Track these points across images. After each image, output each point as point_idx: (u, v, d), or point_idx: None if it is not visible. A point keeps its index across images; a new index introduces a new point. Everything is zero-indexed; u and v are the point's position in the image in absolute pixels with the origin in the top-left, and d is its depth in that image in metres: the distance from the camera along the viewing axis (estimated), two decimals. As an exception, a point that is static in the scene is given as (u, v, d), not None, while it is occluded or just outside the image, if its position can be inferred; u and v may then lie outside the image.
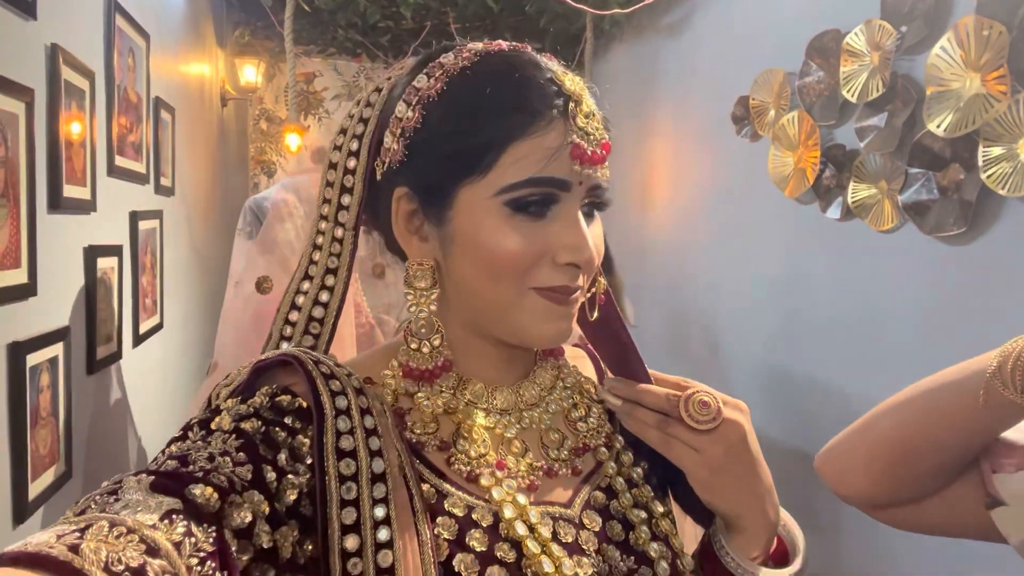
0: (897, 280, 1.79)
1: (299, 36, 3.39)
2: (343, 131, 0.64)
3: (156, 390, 2.50)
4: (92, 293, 1.75)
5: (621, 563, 0.60)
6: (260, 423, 0.52)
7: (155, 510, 0.42)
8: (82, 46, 1.68)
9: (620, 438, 0.68)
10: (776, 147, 2.20)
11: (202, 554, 0.41)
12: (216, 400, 0.57)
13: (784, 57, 2.17)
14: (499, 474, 0.58)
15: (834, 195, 1.98)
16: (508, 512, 0.56)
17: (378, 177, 0.62)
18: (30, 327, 1.39)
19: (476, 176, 0.56)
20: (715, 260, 2.59)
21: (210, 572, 0.41)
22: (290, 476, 0.50)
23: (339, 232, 0.63)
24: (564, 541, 0.58)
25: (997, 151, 1.47)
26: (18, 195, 1.32)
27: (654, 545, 0.62)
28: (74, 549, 0.36)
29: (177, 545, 0.40)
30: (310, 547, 0.50)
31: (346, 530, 0.49)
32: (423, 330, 0.60)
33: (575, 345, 0.77)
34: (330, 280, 0.63)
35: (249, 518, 0.46)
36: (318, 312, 0.62)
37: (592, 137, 0.58)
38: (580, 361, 0.75)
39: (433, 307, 0.60)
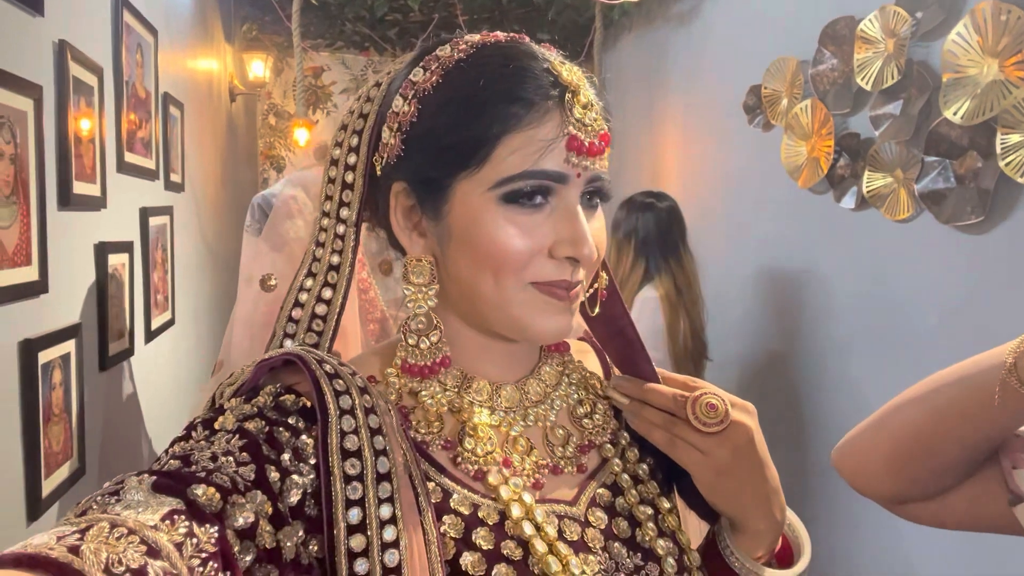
0: (913, 270, 1.76)
1: (307, 30, 3.39)
2: (344, 127, 0.64)
3: (168, 386, 2.51)
4: (103, 290, 1.75)
5: (627, 560, 0.60)
6: (264, 423, 0.51)
7: (157, 510, 0.41)
8: (90, 42, 1.68)
9: (625, 434, 0.68)
10: (789, 136, 2.17)
11: (204, 555, 0.41)
12: (220, 399, 0.56)
13: (797, 45, 2.14)
14: (506, 472, 0.58)
15: (848, 185, 1.96)
16: (516, 511, 0.55)
17: (377, 172, 0.61)
18: (42, 324, 1.40)
19: (471, 170, 0.56)
20: (727, 252, 2.57)
21: (212, 573, 0.40)
22: (294, 476, 0.50)
23: (341, 228, 0.63)
24: (570, 539, 0.57)
25: (1016, 138, 1.44)
26: (28, 192, 1.32)
27: (660, 541, 0.62)
28: (74, 550, 0.36)
29: (179, 546, 0.40)
30: (315, 547, 0.49)
31: (352, 530, 0.49)
32: (421, 326, 0.59)
33: (580, 339, 0.76)
34: (333, 277, 0.62)
35: (252, 518, 0.45)
36: (321, 309, 0.61)
37: (589, 128, 0.57)
38: (585, 356, 0.74)
39: (432, 303, 0.59)
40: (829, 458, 0.82)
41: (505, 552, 0.54)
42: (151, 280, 2.22)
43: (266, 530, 0.46)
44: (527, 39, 0.61)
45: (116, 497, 0.42)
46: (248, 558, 0.45)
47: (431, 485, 0.56)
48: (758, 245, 2.41)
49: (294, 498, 0.49)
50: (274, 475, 0.48)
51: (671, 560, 0.61)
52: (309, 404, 0.53)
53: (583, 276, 0.59)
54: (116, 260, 1.86)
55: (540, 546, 0.55)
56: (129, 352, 1.99)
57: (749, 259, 2.45)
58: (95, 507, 0.42)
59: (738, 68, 2.47)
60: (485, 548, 0.54)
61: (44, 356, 1.39)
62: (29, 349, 1.32)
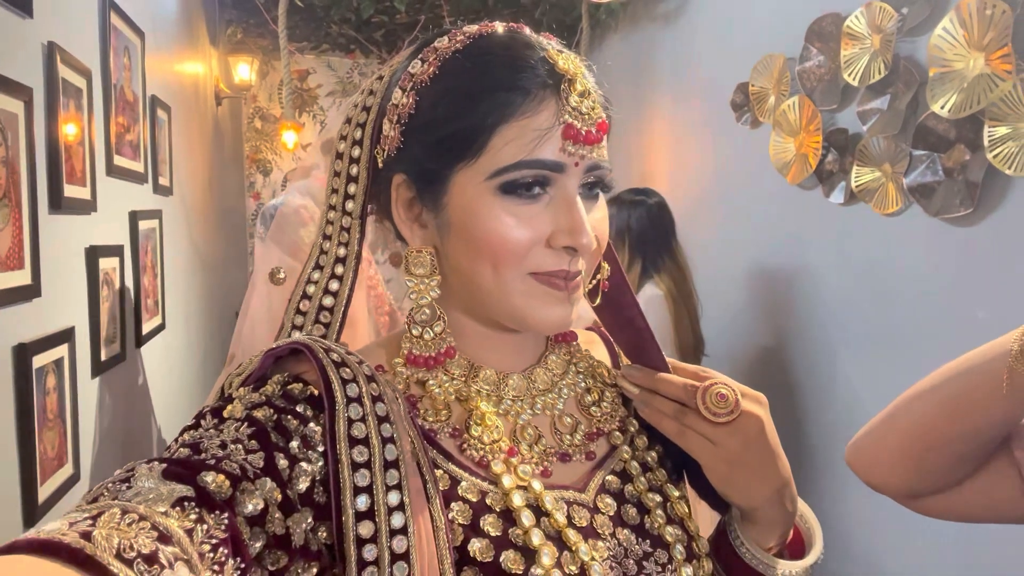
0: (903, 263, 1.78)
1: (292, 33, 3.38)
2: (348, 120, 0.64)
3: (161, 391, 2.50)
4: (95, 294, 1.74)
5: (636, 546, 0.60)
6: (272, 411, 0.51)
7: (167, 497, 0.42)
8: (78, 44, 1.67)
9: (634, 422, 0.68)
10: (777, 133, 2.19)
11: (214, 540, 0.41)
12: (229, 389, 0.57)
13: (783, 42, 2.16)
14: (513, 460, 0.58)
15: (837, 180, 1.98)
16: (517, 500, 0.56)
17: (379, 165, 0.61)
18: (35, 328, 1.39)
19: (468, 160, 0.56)
20: (717, 248, 2.58)
21: (222, 558, 0.41)
22: (302, 463, 0.50)
23: (346, 221, 0.63)
24: (579, 525, 0.58)
25: (1003, 130, 1.46)
26: (19, 196, 1.31)
27: (669, 528, 0.62)
28: (86, 536, 0.36)
29: (189, 532, 0.40)
30: (324, 534, 0.49)
31: (360, 517, 0.49)
32: (425, 317, 0.59)
33: (588, 328, 0.76)
34: (339, 269, 0.62)
35: (261, 505, 0.45)
36: (328, 301, 0.62)
37: (586, 116, 0.56)
38: (593, 345, 0.74)
39: (435, 294, 0.60)
40: (820, 451, 0.83)
41: (513, 539, 0.54)
42: (142, 284, 2.21)
43: (275, 517, 0.46)
44: (526, 29, 0.61)
45: (127, 484, 0.42)
46: (258, 544, 0.45)
47: (439, 472, 0.56)
48: (748, 241, 2.42)
49: (303, 485, 0.49)
50: (283, 462, 0.49)
51: (680, 547, 0.62)
52: (317, 392, 0.53)
53: (583, 266, 0.59)
54: (107, 264, 1.85)
55: (537, 539, 0.54)
56: (121, 357, 1.98)
57: (739, 255, 2.47)
58: (106, 494, 0.42)
59: (725, 66, 2.48)
60: (493, 534, 0.54)
61: (38, 361, 1.38)
62: (23, 353, 1.31)
